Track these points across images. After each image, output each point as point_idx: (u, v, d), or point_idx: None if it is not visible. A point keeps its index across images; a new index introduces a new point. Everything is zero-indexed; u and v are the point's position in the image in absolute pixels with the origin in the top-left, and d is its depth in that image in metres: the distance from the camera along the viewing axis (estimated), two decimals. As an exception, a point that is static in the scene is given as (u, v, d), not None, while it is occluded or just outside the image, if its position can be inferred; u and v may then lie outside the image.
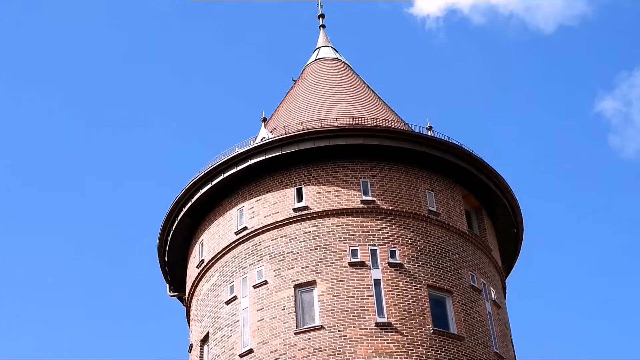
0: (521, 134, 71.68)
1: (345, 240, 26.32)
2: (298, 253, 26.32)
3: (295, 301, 25.48)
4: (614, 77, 72.81)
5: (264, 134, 29.66)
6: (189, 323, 29.79)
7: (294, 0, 69.35)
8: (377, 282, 25.50)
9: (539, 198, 66.35)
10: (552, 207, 68.28)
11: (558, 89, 72.27)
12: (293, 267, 26.10)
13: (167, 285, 31.61)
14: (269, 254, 26.73)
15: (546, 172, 70.68)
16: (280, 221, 27.14)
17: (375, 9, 69.81)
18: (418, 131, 29.22)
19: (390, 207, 27.09)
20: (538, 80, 72.23)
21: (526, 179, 67.79)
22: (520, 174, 65.95)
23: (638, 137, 70.83)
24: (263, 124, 30.75)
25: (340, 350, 24.25)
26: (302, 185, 27.64)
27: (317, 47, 36.37)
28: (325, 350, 24.34)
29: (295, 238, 26.70)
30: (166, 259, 30.74)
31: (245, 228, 27.68)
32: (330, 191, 27.34)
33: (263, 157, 28.04)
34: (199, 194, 29.01)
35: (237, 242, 27.67)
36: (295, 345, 24.70)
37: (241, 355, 25.50)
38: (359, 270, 25.69)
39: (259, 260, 26.79)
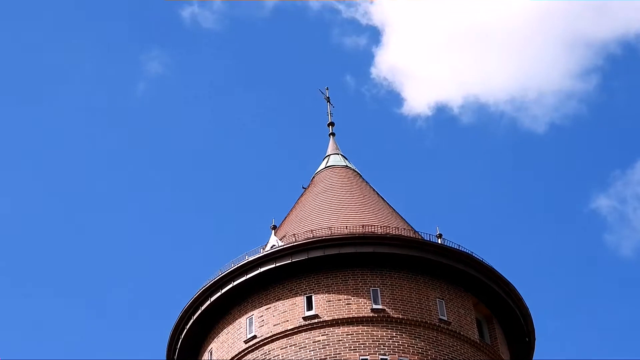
0: (515, 236, 71.30)
1: (356, 349, 26.11)
2: (308, 363, 26.08)
3: (305, 413, 25.14)
4: (608, 176, 73.07)
5: (274, 242, 29.69)
6: None
7: (303, 107, 70.37)
8: (388, 392, 25.21)
9: (541, 302, 65.86)
10: (557, 312, 67.67)
11: (551, 188, 72.35)
12: (303, 377, 25.83)
13: (176, 395, 31.21)
14: (278, 364, 26.48)
15: (546, 274, 70.22)
16: (290, 330, 26.98)
17: (365, 110, 70.41)
18: (428, 239, 29.24)
19: (401, 316, 26.93)
20: (531, 180, 72.35)
21: (526, 283, 67.35)
22: (520, 278, 65.59)
23: (634, 235, 70.71)
24: (273, 231, 30.83)
25: None
26: (312, 294, 27.55)
27: (327, 154, 36.64)
28: None
29: (305, 347, 26.49)
30: (175, 367, 30.45)
31: (254, 337, 27.50)
32: (340, 299, 27.24)
33: (273, 265, 28.04)
34: (208, 302, 28.90)
35: (246, 351, 27.46)
36: None
37: None
38: (369, 380, 25.40)
39: (269, 370, 26.53)
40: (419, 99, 71.05)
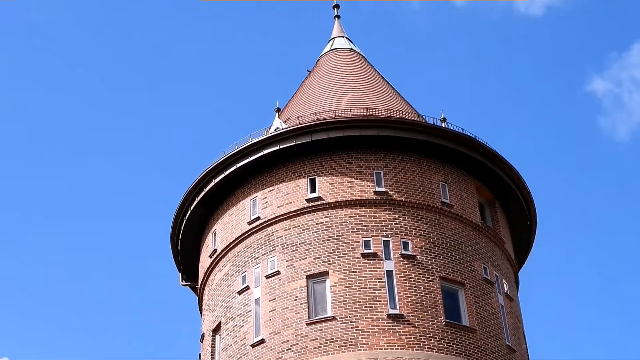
0: (512, 119, 71.13)
1: (358, 231, 26.30)
2: (311, 244, 26.33)
3: (307, 292, 25.50)
4: (604, 58, 72.18)
5: (278, 124, 29.64)
6: (201, 313, 29.86)
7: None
8: (389, 273, 25.49)
9: (542, 186, 66.09)
10: (554, 194, 67.99)
11: (547, 71, 71.53)
12: (305, 258, 26.11)
13: (180, 274, 31.68)
14: (281, 245, 26.74)
15: (545, 158, 70.26)
16: (293, 211, 27.14)
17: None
18: (432, 123, 29.16)
19: (404, 199, 27.04)
20: (527, 63, 71.57)
21: (526, 166, 67.58)
22: (520, 162, 65.63)
23: (629, 118, 70.38)
24: (277, 114, 30.74)
25: (351, 342, 24.26)
26: (316, 176, 27.62)
27: (331, 37, 36.29)
28: (337, 341, 24.36)
29: (308, 229, 26.70)
30: (179, 248, 30.80)
31: (258, 218, 27.70)
32: (343, 182, 27.31)
33: (277, 148, 28.03)
34: (212, 184, 29.04)
35: (249, 232, 27.69)
36: (307, 335, 24.73)
37: (253, 346, 25.54)
38: (371, 261, 25.68)
39: (272, 251, 26.81)
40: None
